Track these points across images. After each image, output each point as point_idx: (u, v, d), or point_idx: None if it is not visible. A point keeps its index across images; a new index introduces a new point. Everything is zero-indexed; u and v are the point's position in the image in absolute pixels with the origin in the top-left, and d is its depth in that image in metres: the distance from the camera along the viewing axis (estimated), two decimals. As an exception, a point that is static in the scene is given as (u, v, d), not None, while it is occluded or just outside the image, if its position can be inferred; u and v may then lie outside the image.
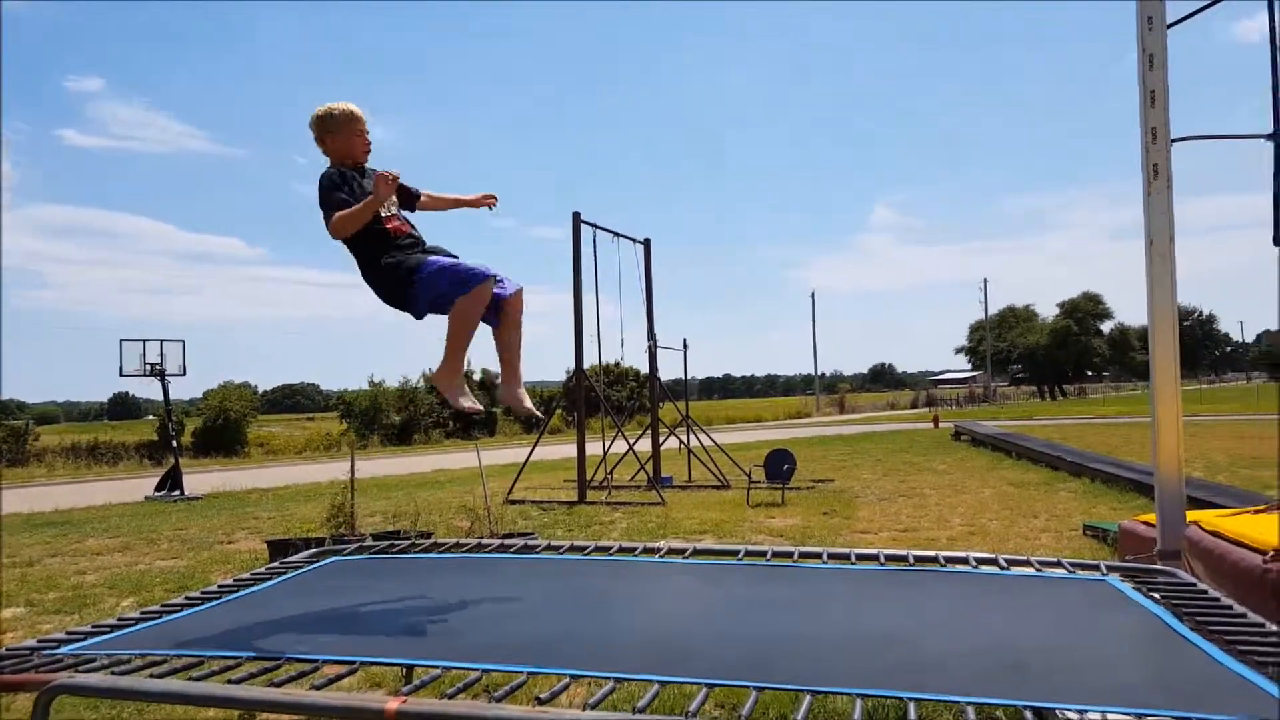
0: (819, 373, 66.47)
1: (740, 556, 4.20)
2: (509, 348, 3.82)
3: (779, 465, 11.20)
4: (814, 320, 64.04)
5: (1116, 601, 3.18)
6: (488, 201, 3.86)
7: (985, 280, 70.06)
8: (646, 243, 13.63)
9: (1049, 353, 71.30)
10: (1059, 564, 3.92)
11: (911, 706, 2.07)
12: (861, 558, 4.32)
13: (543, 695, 2.20)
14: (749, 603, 3.34)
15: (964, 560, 4.21)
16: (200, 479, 17.26)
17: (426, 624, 3.01)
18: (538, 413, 3.90)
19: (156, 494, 14.51)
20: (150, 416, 31.05)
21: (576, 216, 11.84)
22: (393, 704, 2.13)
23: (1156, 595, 3.21)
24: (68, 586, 6.93)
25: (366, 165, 3.58)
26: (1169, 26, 5.02)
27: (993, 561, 4.14)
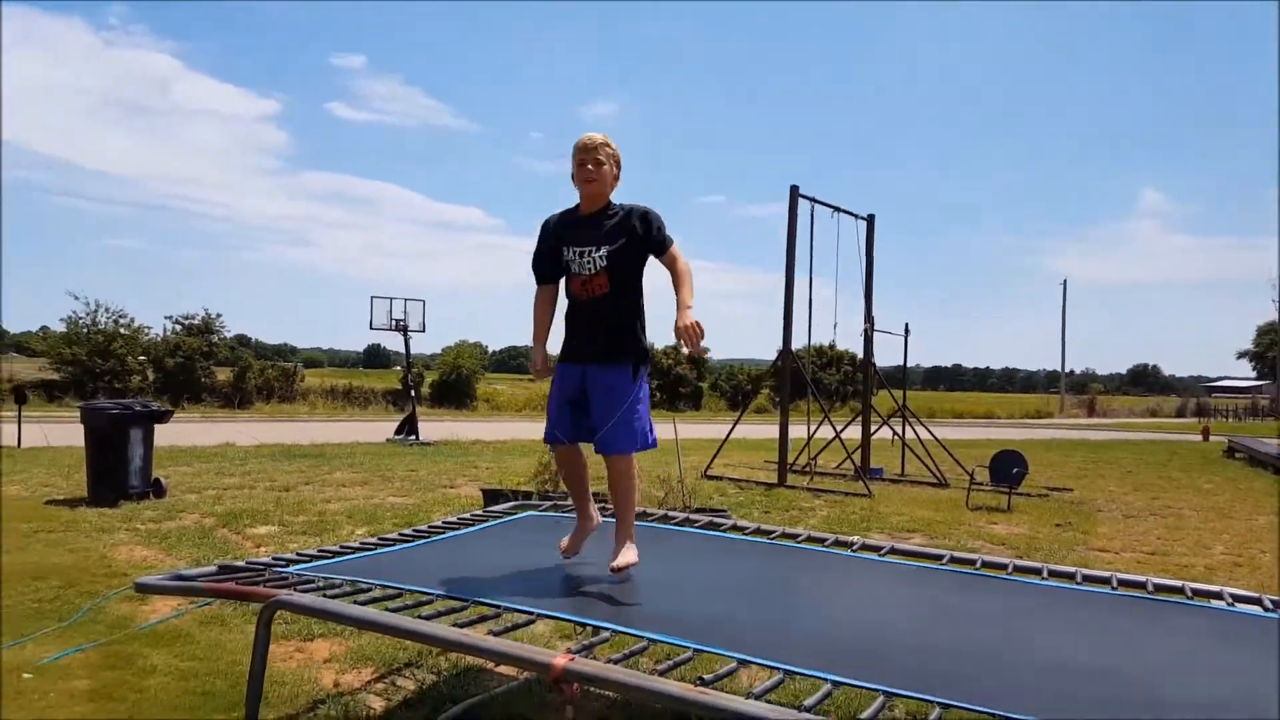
0: (1066, 369, 60.98)
1: (945, 561, 3.92)
2: (612, 501, 3.45)
3: (1007, 467, 10.40)
4: (1064, 311, 58.41)
5: None
6: (687, 336, 3.12)
7: None
8: (870, 219, 12.99)
9: (1353, 366, 61.31)
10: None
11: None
12: (1089, 579, 3.87)
13: (706, 676, 2.15)
14: (948, 611, 3.10)
15: (1217, 595, 3.65)
16: (433, 427, 18.80)
17: (604, 587, 3.05)
18: (619, 565, 3.25)
19: (395, 437, 15.95)
20: (396, 367, 34.17)
21: (794, 190, 11.50)
22: (560, 660, 2.17)
23: None
24: (314, 512, 7.77)
25: (618, 206, 3.32)
26: None
27: (1256, 601, 3.55)
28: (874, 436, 13.24)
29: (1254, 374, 75.04)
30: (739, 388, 38.19)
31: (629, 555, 3.23)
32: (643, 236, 3.24)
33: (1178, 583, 3.82)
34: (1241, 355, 70.75)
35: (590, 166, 3.23)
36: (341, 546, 3.51)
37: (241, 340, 34.53)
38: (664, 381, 35.88)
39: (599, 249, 3.21)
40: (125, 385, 23.79)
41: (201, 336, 26.79)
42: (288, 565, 3.14)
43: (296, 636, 4.13)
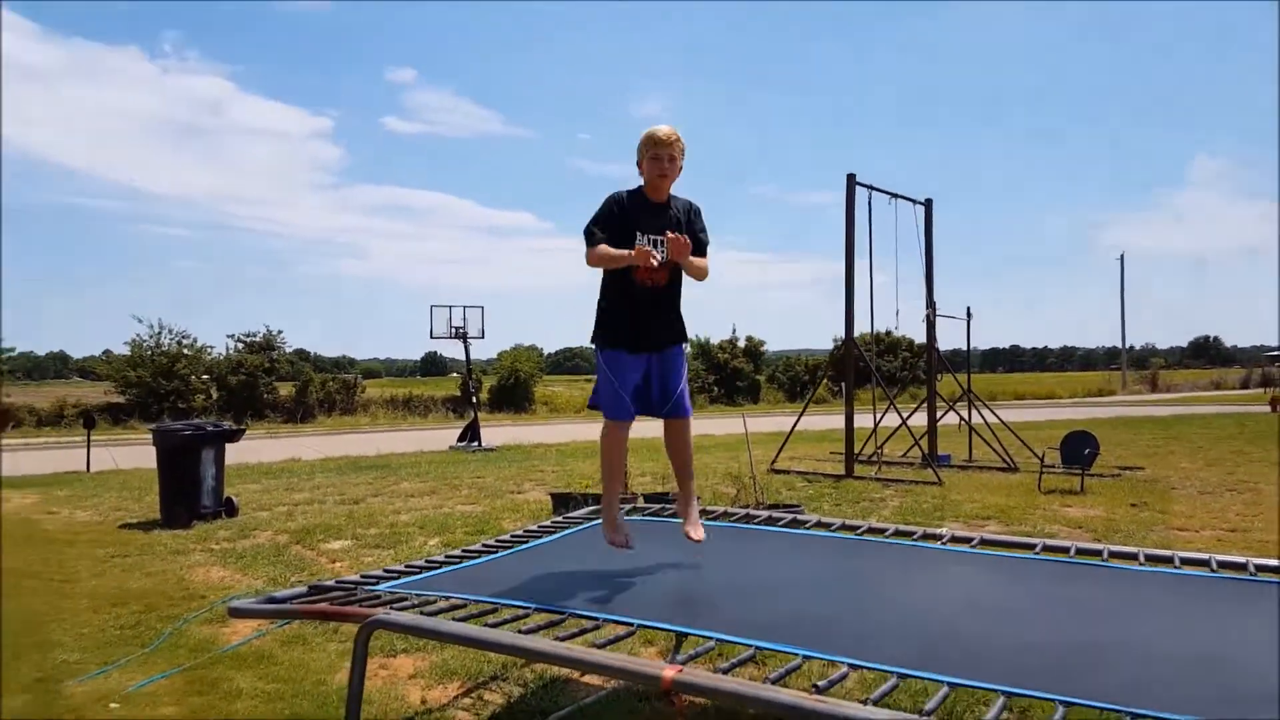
0: (1127, 345, 59.35)
1: (1038, 550, 3.80)
2: (677, 469, 3.65)
3: (1079, 448, 10.13)
4: (1122, 286, 57.20)
5: None
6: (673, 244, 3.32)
7: (1344, 238, 58.90)
8: (928, 203, 12.78)
9: None
10: None
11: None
12: (1186, 562, 3.74)
13: (820, 683, 2.10)
14: (1052, 602, 3.00)
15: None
16: (494, 432, 18.96)
17: (699, 591, 3.01)
18: (698, 537, 3.55)
19: (459, 444, 16.12)
20: (454, 374, 34.52)
21: (851, 178, 11.37)
22: (670, 671, 2.13)
23: None
24: (385, 524, 7.85)
25: (674, 196, 3.49)
26: None
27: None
28: (940, 422, 12.99)
29: (1322, 340, 72.07)
30: (796, 379, 37.82)
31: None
32: (692, 233, 3.45)
33: (1276, 561, 3.69)
34: (1309, 321, 68.03)
35: (667, 161, 3.37)
36: (427, 561, 3.51)
37: (301, 355, 35.15)
38: (721, 375, 35.70)
39: (662, 248, 3.36)
40: (189, 405, 24.41)
41: (263, 353, 27.34)
42: (377, 583, 3.15)
43: (380, 653, 4.15)
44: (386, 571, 3.31)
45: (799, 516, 4.26)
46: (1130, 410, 27.57)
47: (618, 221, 3.37)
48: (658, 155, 3.36)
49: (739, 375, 36.21)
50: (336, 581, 3.21)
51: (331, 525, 7.78)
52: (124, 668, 4.04)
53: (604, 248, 3.31)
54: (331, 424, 26.15)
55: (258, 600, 2.97)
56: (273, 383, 27.42)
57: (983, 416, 12.64)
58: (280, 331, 28.38)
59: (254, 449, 15.14)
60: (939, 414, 12.98)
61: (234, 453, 10.04)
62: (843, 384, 12.59)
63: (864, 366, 12.14)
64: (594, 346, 3.48)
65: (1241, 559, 3.63)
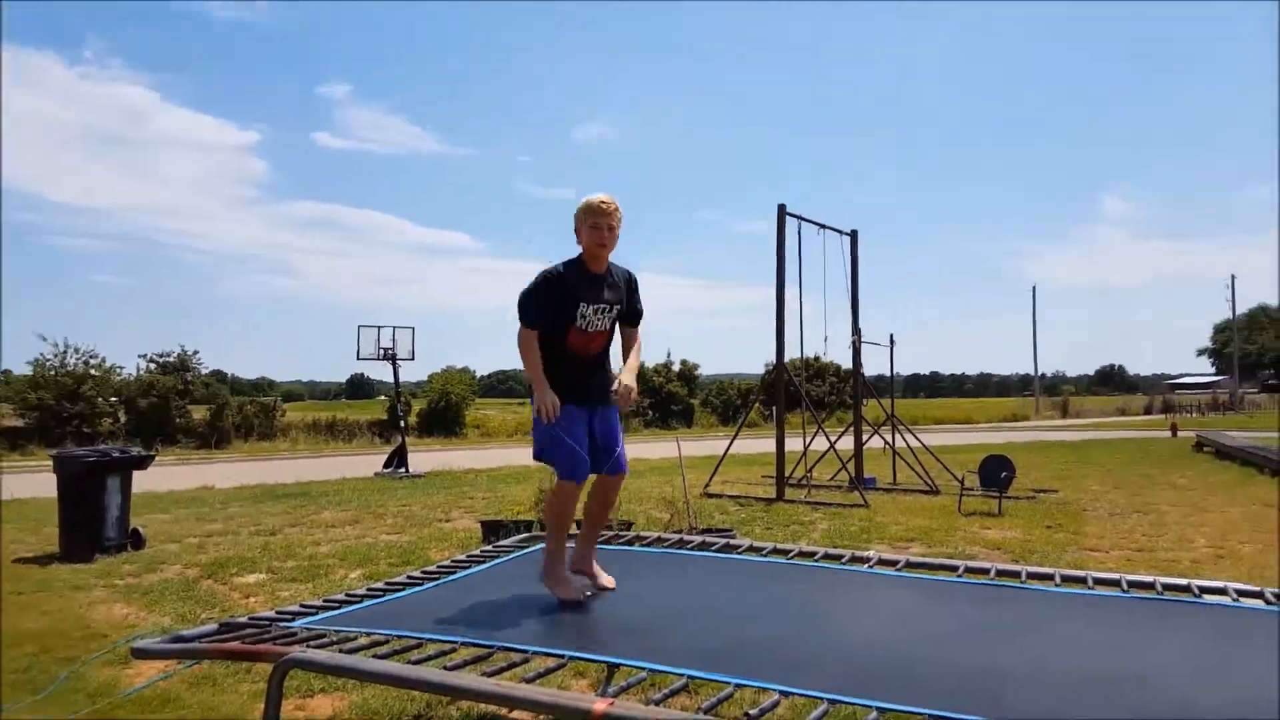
0: (1039, 373, 61.70)
1: (960, 573, 3.88)
2: (593, 517, 3.66)
3: (996, 471, 10.42)
4: (1034, 316, 59.20)
5: None
6: (621, 394, 3.49)
7: (1233, 276, 62.40)
8: (853, 234, 13.14)
9: (1311, 356, 62.52)
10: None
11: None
12: (1100, 582, 3.88)
13: (752, 711, 2.08)
14: (974, 626, 3.05)
15: (1222, 591, 3.70)
16: (423, 458, 18.55)
17: (631, 620, 2.96)
18: (610, 584, 3.52)
19: (385, 470, 15.69)
20: (382, 397, 33.80)
21: (782, 209, 11.61)
22: (600, 705, 2.08)
23: None
24: (304, 556, 7.56)
25: (612, 265, 3.54)
26: None
27: (1258, 595, 3.60)
28: (865, 446, 13.24)
29: (1213, 370, 76.27)
30: (729, 403, 38.17)
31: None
32: (630, 304, 3.61)
33: (1184, 581, 3.87)
34: (1201, 352, 72.17)
35: (606, 230, 3.42)
36: (347, 595, 3.38)
37: (218, 376, 33.99)
38: (656, 399, 35.78)
39: (611, 309, 3.49)
40: (95, 429, 23.28)
41: (176, 374, 26.31)
42: (293, 619, 3.03)
43: (296, 694, 3.92)
44: (304, 607, 3.18)
45: (731, 542, 4.25)
46: (1043, 435, 28.59)
47: (556, 296, 3.38)
48: (597, 224, 3.40)
49: (673, 399, 36.37)
50: (249, 618, 3.06)
51: (246, 558, 7.45)
52: (14, 715, 3.77)
53: (536, 356, 3.37)
54: (249, 450, 25.23)
55: (164, 639, 2.82)
56: (186, 406, 26.35)
57: (905, 440, 12.93)
58: (196, 352, 27.40)
59: (164, 476, 14.48)
60: (865, 438, 13.24)
61: (142, 480, 9.56)
62: (774, 408, 12.75)
63: (794, 391, 12.31)
64: (535, 417, 3.42)
65: (1149, 578, 3.80)
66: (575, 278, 3.42)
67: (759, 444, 18.86)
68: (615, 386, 3.46)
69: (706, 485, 11.77)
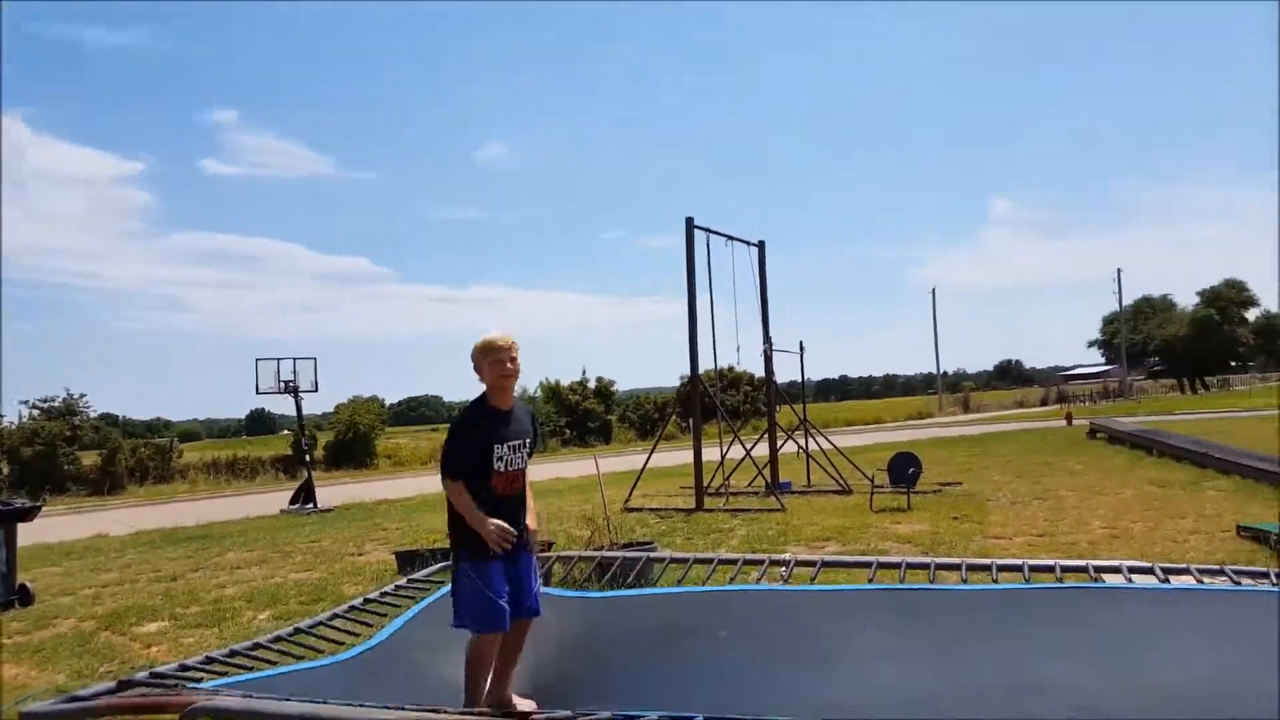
0: (941, 371, 64.06)
1: (873, 570, 3.97)
2: (508, 656, 3.62)
3: (904, 468, 10.76)
4: (934, 317, 61.62)
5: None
6: (530, 537, 3.63)
7: (1119, 270, 66.12)
8: (760, 245, 13.39)
9: (1189, 344, 66.58)
10: (1222, 571, 3.55)
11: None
12: (1004, 569, 4.01)
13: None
14: (891, 637, 3.09)
15: (1116, 570, 3.88)
16: (332, 491, 17.98)
17: (547, 660, 2.91)
18: (530, 707, 3.53)
19: (291, 507, 15.16)
20: (285, 431, 32.68)
21: (690, 222, 11.74)
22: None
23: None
24: (208, 600, 7.23)
25: (515, 400, 3.59)
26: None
27: (1149, 571, 3.80)
28: (781, 451, 13.47)
29: (1103, 360, 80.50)
30: (646, 417, 38.28)
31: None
32: (535, 436, 3.66)
33: (1081, 563, 4.04)
34: (1091, 344, 75.94)
35: (509, 363, 3.46)
36: (254, 644, 3.24)
37: (108, 419, 32.35)
38: (573, 417, 35.62)
39: (525, 444, 3.53)
40: (-26, 483, 21.84)
41: (63, 419, 24.90)
42: (199, 670, 2.88)
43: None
44: (208, 658, 3.03)
45: (651, 557, 4.25)
46: (947, 431, 29.65)
47: (478, 444, 3.41)
48: (500, 359, 3.46)
49: (590, 416, 36.28)
50: (150, 672, 2.90)
51: (146, 606, 7.09)
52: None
53: (468, 498, 3.36)
54: (145, 494, 24.02)
55: (57, 700, 2.64)
56: (75, 452, 24.96)
57: (818, 444, 13.22)
58: (83, 395, 26.05)
59: (53, 527, 13.63)
60: (779, 443, 13.48)
61: (28, 533, 8.99)
62: (690, 420, 12.86)
63: (709, 402, 12.45)
64: (458, 559, 3.43)
65: (1049, 562, 3.96)
66: (486, 420, 3.46)
67: (678, 455, 18.96)
68: (533, 529, 3.58)
69: (627, 500, 11.77)
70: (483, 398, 3.51)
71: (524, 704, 3.52)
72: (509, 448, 3.45)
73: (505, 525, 3.34)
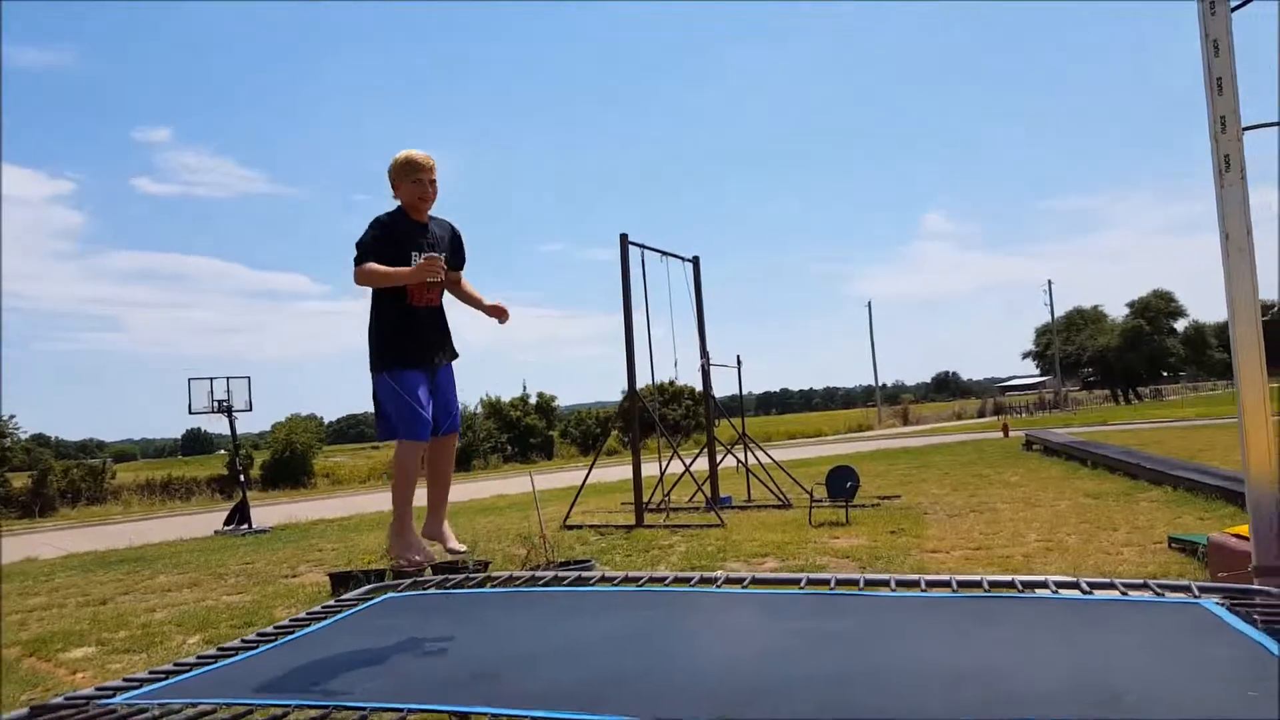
0: (880, 384, 65.30)
1: (803, 585, 4.03)
2: (437, 481, 3.75)
3: (842, 482, 10.92)
4: (871, 330, 63.08)
5: (1213, 628, 2.94)
6: (498, 314, 3.72)
7: (1050, 282, 68.32)
8: (695, 261, 13.53)
9: (1121, 354, 68.90)
10: (1146, 585, 3.69)
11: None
12: (932, 584, 4.11)
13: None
14: (817, 637, 3.18)
15: (1043, 584, 3.99)
16: (268, 511, 17.61)
17: (479, 665, 2.92)
18: (461, 548, 3.79)
19: (225, 528, 14.81)
20: (222, 451, 31.92)
21: (624, 238, 11.82)
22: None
23: (1257, 619, 2.98)
24: (137, 625, 7.05)
25: (431, 217, 3.59)
26: (1234, 10, 4.79)
27: (1074, 585, 3.91)
28: (721, 466, 13.58)
29: (1038, 371, 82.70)
30: (588, 432, 38.20)
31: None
32: (457, 253, 3.67)
33: (1008, 577, 4.15)
34: (1026, 355, 77.89)
35: (431, 187, 3.49)
36: (175, 664, 3.18)
37: (39, 440, 31.29)
38: (514, 433, 35.39)
39: (440, 256, 3.45)
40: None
41: (-12, 442, 24.02)
42: (114, 695, 2.81)
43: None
44: (127, 680, 2.96)
45: (583, 574, 4.27)
46: (887, 443, 30.18)
47: (389, 242, 3.39)
48: (420, 179, 3.45)
49: (532, 432, 36.09)
50: (65, 697, 2.82)
51: (73, 631, 6.89)
52: None
53: (378, 266, 3.32)
54: (76, 516, 23.26)
55: (-40, 735, 2.56)
56: (4, 474, 24.10)
57: (757, 458, 13.36)
58: (13, 416, 25.20)
59: (-25, 552, 13.13)
60: (719, 458, 13.59)
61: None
62: (629, 435, 12.89)
63: (649, 417, 12.51)
64: (376, 371, 3.45)
65: (977, 577, 4.06)
66: (403, 225, 3.45)
67: (621, 471, 18.98)
68: (495, 303, 3.65)
69: (566, 517, 11.75)
70: (399, 210, 3.50)
71: (455, 541, 3.68)
72: (427, 259, 3.42)
73: (432, 255, 3.33)
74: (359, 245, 3.38)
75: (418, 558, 3.50)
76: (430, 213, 3.60)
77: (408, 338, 3.44)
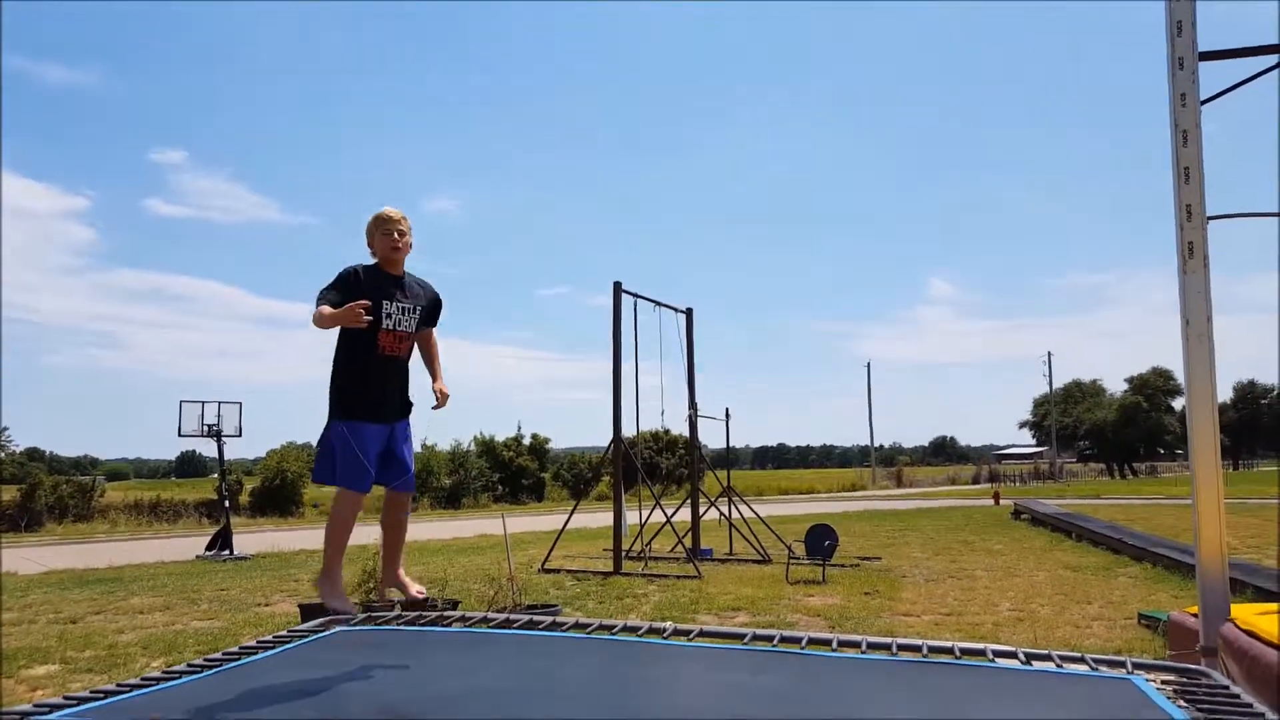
0: (876, 444, 65.14)
1: (775, 643, 4.05)
2: (391, 534, 3.89)
3: (820, 541, 10.93)
4: (869, 390, 63.01)
5: (1138, 705, 2.99)
6: (439, 396, 3.81)
7: (1049, 353, 68.58)
8: (688, 312, 13.72)
9: (1118, 429, 68.83)
10: (1082, 659, 3.73)
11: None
12: (904, 648, 4.12)
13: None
14: (774, 697, 3.20)
15: (981, 653, 4.02)
16: (252, 538, 17.56)
17: (404, 704, 2.94)
18: (422, 593, 3.92)
19: (206, 553, 14.77)
20: (213, 475, 31.88)
21: (617, 286, 12.01)
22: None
23: (1183, 700, 3.03)
24: (103, 645, 7.05)
25: (413, 276, 3.73)
26: (1203, 103, 4.96)
27: (1011, 655, 3.94)
28: (704, 517, 13.59)
29: (1034, 441, 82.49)
30: (580, 476, 38.12)
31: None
32: (431, 310, 3.77)
33: (949, 644, 4.18)
34: (1023, 425, 77.81)
35: (397, 235, 3.61)
36: (118, 685, 3.24)
37: (33, 454, 31.31)
38: (506, 474, 35.33)
39: (415, 309, 3.63)
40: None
41: (-20, 453, 24.05)
42: (50, 712, 2.87)
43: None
44: (66, 698, 3.02)
45: (535, 618, 4.32)
46: (877, 504, 30.07)
47: (355, 291, 3.47)
48: (389, 231, 3.59)
49: (524, 473, 36.02)
50: (2, 713, 2.89)
51: (39, 648, 6.89)
52: None
53: (326, 308, 3.38)
54: (63, 532, 23.16)
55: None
56: (-8, 487, 24.06)
57: (741, 512, 13.37)
58: (6, 429, 25.33)
59: (-44, 564, 13.10)
60: (704, 510, 13.60)
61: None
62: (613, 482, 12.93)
63: (633, 465, 12.55)
64: (334, 418, 3.54)
65: (949, 644, 4.09)
66: (375, 276, 3.57)
67: (608, 517, 18.94)
68: (442, 386, 3.75)
69: (545, 560, 11.75)
70: (374, 265, 3.63)
71: (415, 587, 3.76)
72: (398, 307, 3.55)
73: (365, 302, 3.36)
74: (321, 292, 3.49)
75: (344, 607, 3.60)
76: (423, 279, 3.77)
77: (366, 395, 3.54)
